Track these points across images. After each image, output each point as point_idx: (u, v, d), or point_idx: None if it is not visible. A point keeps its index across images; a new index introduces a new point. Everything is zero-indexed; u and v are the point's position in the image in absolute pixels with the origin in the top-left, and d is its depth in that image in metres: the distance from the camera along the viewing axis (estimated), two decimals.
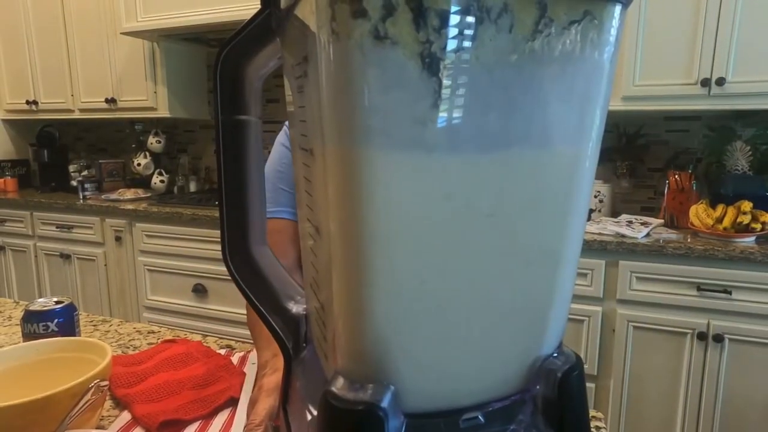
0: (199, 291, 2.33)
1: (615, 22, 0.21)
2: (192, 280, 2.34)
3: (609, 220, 1.91)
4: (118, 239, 2.53)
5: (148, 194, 2.73)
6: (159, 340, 0.86)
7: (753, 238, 1.65)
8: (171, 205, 2.42)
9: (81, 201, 2.64)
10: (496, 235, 0.21)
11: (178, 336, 0.87)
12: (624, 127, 2.14)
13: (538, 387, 0.24)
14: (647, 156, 2.12)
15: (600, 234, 1.75)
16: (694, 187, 1.90)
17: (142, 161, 2.81)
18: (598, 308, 1.73)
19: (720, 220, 1.69)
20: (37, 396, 0.48)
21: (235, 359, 0.78)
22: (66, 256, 2.65)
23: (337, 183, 0.20)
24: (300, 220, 0.32)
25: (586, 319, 1.74)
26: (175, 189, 2.82)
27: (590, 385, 1.80)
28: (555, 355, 0.25)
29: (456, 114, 0.19)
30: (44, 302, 0.69)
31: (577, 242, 0.24)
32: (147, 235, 2.40)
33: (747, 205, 1.68)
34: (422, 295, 0.21)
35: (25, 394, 0.52)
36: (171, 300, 2.41)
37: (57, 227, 2.65)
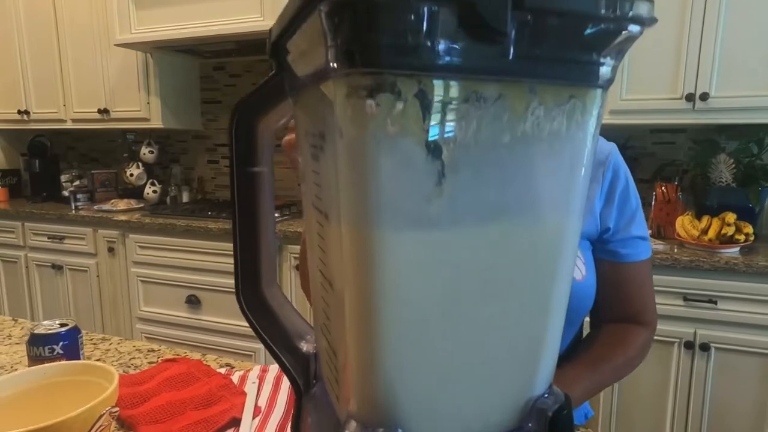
0: (193, 302, 2.34)
1: (597, 103, 0.24)
2: (185, 291, 2.34)
3: None
4: (110, 250, 2.53)
5: (141, 205, 2.73)
6: (159, 359, 0.88)
7: (737, 249, 1.69)
8: (164, 216, 2.42)
9: (73, 211, 2.63)
10: (493, 294, 0.24)
11: (178, 355, 0.89)
12: (612, 140, 2.18)
13: (530, 425, 0.27)
14: (635, 167, 2.16)
15: None
16: (681, 198, 1.94)
17: (134, 171, 2.81)
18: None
19: (705, 231, 1.73)
20: (49, 422, 0.49)
21: (235, 378, 0.79)
22: (58, 267, 2.64)
23: (352, 253, 0.22)
24: (311, 265, 0.34)
25: None
26: (168, 199, 2.82)
27: None
28: (546, 395, 0.27)
29: (457, 191, 0.22)
30: (49, 325, 0.70)
31: (564, 297, 0.26)
32: (140, 246, 2.41)
33: (731, 217, 1.72)
34: (428, 349, 0.24)
35: (36, 419, 0.54)
36: (164, 311, 2.41)
37: (49, 238, 2.64)
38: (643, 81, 1.86)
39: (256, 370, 0.82)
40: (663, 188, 1.95)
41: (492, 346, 0.25)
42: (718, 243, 1.69)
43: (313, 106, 0.26)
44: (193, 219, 2.34)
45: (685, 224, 1.79)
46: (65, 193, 2.90)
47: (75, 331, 0.70)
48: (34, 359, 0.68)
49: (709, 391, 1.66)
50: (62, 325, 0.71)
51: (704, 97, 1.78)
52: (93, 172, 2.90)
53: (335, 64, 0.20)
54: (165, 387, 0.75)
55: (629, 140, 2.16)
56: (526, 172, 0.23)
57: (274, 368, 0.82)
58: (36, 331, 0.68)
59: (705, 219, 1.77)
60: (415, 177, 0.21)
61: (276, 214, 2.34)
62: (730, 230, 1.69)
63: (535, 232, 0.24)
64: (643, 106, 1.87)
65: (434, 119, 0.21)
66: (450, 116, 0.21)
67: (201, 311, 2.34)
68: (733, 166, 1.83)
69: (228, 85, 2.85)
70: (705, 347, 1.64)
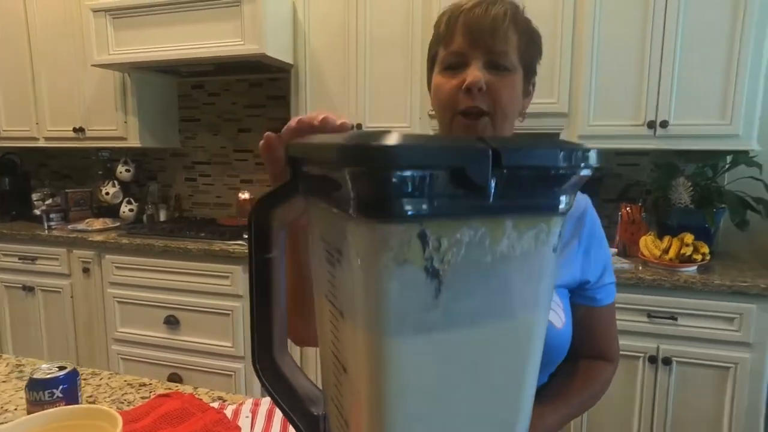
0: (171, 323, 2.33)
1: (557, 225, 0.30)
2: (164, 311, 2.34)
3: None
4: (86, 270, 2.50)
5: (117, 224, 2.71)
6: (152, 393, 0.90)
7: (695, 268, 1.81)
8: (141, 236, 2.42)
9: (46, 231, 2.60)
10: (479, 379, 0.30)
11: (170, 389, 0.92)
12: None
13: None
14: (602, 187, 2.28)
15: None
16: (644, 218, 2.06)
17: (110, 190, 2.79)
18: None
19: (666, 250, 1.84)
20: None
21: (228, 412, 0.83)
22: (29, 289, 2.59)
23: (365, 352, 0.27)
24: (322, 340, 0.39)
25: None
26: (145, 218, 2.81)
27: None
28: None
29: (450, 302, 0.28)
30: (48, 369, 0.73)
31: (534, 374, 0.32)
32: (117, 267, 2.39)
33: (689, 238, 1.84)
34: (427, 424, 0.29)
35: None
36: (142, 332, 2.39)
37: (20, 258, 2.59)
38: (609, 107, 1.97)
39: (248, 404, 0.85)
40: (628, 209, 2.06)
41: (479, 417, 0.31)
42: (677, 262, 1.80)
43: (328, 218, 0.32)
44: (171, 239, 2.34)
45: (648, 244, 1.90)
46: (37, 212, 2.85)
47: (74, 374, 0.73)
48: (34, 404, 0.70)
49: (671, 401, 1.76)
50: (60, 368, 0.73)
51: (664, 124, 1.90)
52: (67, 191, 2.86)
53: (356, 213, 0.25)
54: (161, 424, 0.78)
55: None
56: (504, 282, 0.29)
57: (266, 401, 0.85)
58: (35, 376, 0.71)
59: (666, 239, 1.88)
60: (417, 294, 0.27)
61: None
62: (688, 250, 1.81)
63: (512, 327, 0.30)
64: (608, 132, 1.98)
65: (433, 251, 0.26)
66: (444, 247, 0.27)
67: (179, 332, 2.34)
68: (691, 188, 1.95)
69: (206, 104, 2.87)
70: (667, 361, 1.74)
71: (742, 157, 1.93)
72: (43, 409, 0.70)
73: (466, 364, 0.29)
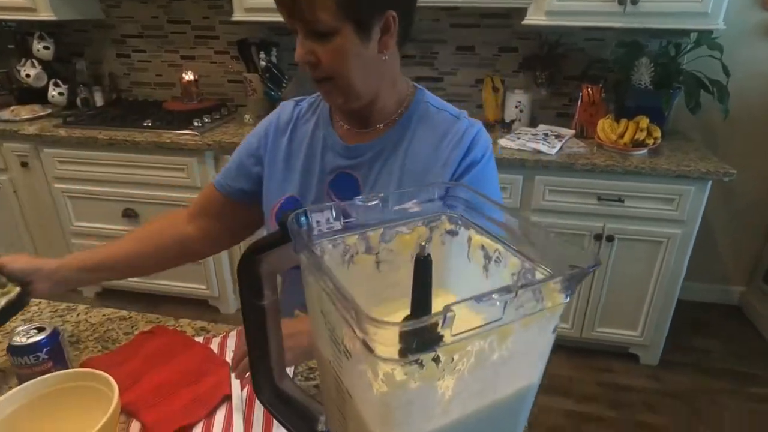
0: (131, 216, 2.29)
1: (560, 310, 0.30)
2: (120, 205, 2.28)
3: (528, 133, 2.07)
4: (24, 165, 2.34)
5: (48, 111, 2.46)
6: (134, 328, 0.93)
7: (645, 151, 1.88)
8: (81, 127, 2.23)
9: None
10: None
11: (151, 322, 0.94)
12: (546, 36, 2.20)
13: None
14: (565, 63, 2.23)
15: (519, 150, 1.91)
16: (604, 99, 2.07)
17: (30, 71, 2.48)
18: None
19: (621, 135, 1.89)
20: None
21: (214, 346, 0.87)
22: None
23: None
24: (318, 354, 0.39)
25: None
26: (78, 101, 2.56)
27: None
28: None
29: (455, 401, 0.29)
30: (25, 332, 0.72)
31: (526, 414, 0.35)
32: (60, 161, 2.24)
33: (644, 122, 1.88)
34: None
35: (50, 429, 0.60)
36: (100, 225, 2.35)
37: None
38: None
39: (233, 337, 0.89)
40: (589, 90, 2.05)
41: None
42: (631, 146, 1.87)
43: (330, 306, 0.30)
44: (115, 129, 2.18)
45: (605, 128, 1.94)
46: None
47: (55, 335, 0.73)
48: (22, 368, 0.71)
49: (609, 271, 1.97)
50: (39, 329, 0.73)
51: (634, 0, 1.80)
52: None
53: (373, 354, 0.25)
54: (150, 365, 0.82)
55: (561, 37, 2.18)
56: (506, 368, 0.30)
57: None
58: (14, 342, 0.70)
59: (623, 123, 1.92)
60: (427, 404, 0.28)
61: (206, 119, 2.22)
62: (642, 135, 1.86)
63: (512, 397, 0.32)
64: (577, 8, 1.88)
65: (445, 365, 0.27)
66: (456, 360, 0.27)
67: (138, 224, 2.31)
68: (653, 69, 1.94)
69: None
70: (610, 238, 1.91)
71: (705, 37, 1.90)
72: (32, 372, 0.71)
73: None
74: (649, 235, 1.88)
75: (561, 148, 1.93)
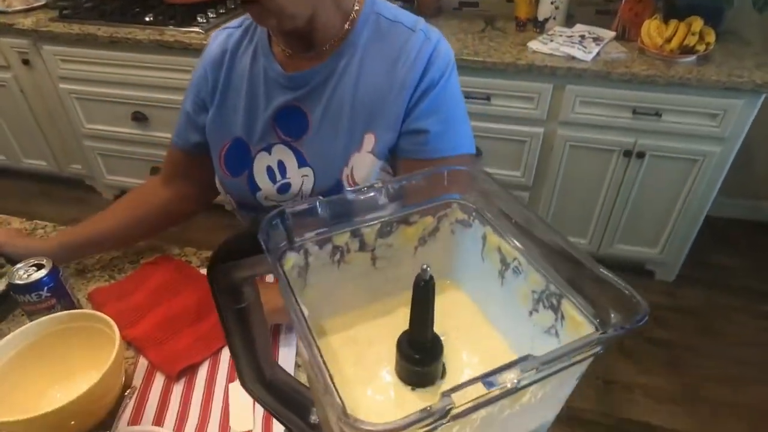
0: (140, 119, 2.22)
1: (587, 365, 0.25)
2: (129, 108, 2.20)
3: (563, 35, 1.86)
4: (26, 62, 2.23)
5: (42, 1, 2.29)
6: (140, 256, 0.91)
7: (694, 58, 1.69)
8: (78, 22, 2.08)
9: None
10: None
11: (156, 251, 0.92)
12: None
13: None
14: None
15: (551, 56, 1.73)
16: None
17: None
18: (540, 130, 1.84)
19: (669, 39, 1.68)
20: (82, 392, 0.56)
21: None
22: None
23: None
24: (311, 385, 0.36)
25: (528, 139, 1.86)
26: None
27: (524, 194, 2.03)
28: None
29: None
30: (24, 270, 0.70)
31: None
32: (62, 60, 2.13)
33: (697, 24, 1.66)
34: None
35: (53, 366, 0.62)
36: (110, 128, 2.30)
37: None
38: None
39: None
40: None
41: None
42: (678, 53, 1.67)
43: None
44: (117, 26, 2.03)
45: (651, 30, 1.72)
46: None
47: (55, 272, 0.71)
48: (25, 304, 0.70)
49: (635, 190, 1.88)
50: (37, 266, 0.71)
51: None
52: None
53: None
54: (154, 300, 0.81)
55: None
56: (520, 418, 0.25)
57: None
58: (14, 281, 0.69)
59: (672, 25, 1.70)
60: None
61: (210, 14, 2.05)
62: (692, 40, 1.65)
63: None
64: None
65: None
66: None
67: (149, 127, 2.25)
68: None
69: None
70: (641, 155, 1.79)
71: None
72: (36, 308, 0.71)
73: None
74: (684, 152, 1.76)
75: (598, 54, 1.74)
